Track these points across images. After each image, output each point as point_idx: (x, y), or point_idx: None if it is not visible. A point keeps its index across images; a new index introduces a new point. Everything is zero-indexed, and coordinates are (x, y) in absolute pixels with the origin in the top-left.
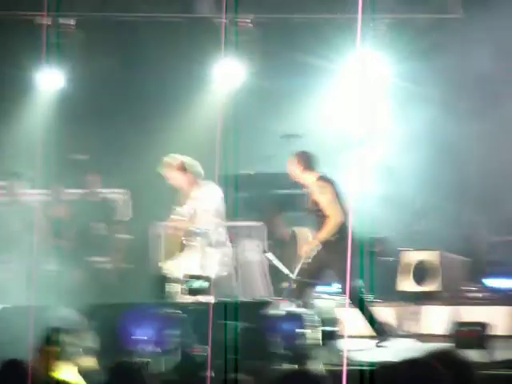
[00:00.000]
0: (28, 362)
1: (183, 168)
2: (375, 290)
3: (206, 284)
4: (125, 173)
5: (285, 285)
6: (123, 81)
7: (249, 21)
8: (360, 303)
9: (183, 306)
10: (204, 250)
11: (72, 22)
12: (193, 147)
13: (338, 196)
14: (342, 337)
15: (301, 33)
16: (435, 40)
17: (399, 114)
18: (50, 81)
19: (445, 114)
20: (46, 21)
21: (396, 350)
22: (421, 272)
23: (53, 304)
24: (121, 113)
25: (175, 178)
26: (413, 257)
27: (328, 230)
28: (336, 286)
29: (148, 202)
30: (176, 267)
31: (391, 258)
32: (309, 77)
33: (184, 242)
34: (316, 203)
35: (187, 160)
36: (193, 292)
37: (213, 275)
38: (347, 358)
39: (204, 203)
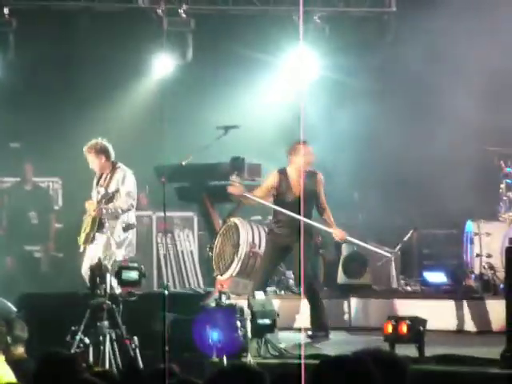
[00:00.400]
0: None
1: (96, 151)
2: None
3: (136, 275)
4: (58, 161)
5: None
6: (58, 69)
7: (182, 11)
8: (312, 295)
9: (114, 297)
10: (115, 232)
11: (6, 10)
12: (127, 136)
13: None
14: (275, 329)
15: (238, 25)
16: (370, 34)
17: (336, 109)
18: None
19: (380, 110)
20: None
21: (330, 344)
22: (351, 265)
23: None
24: (55, 101)
25: (90, 161)
26: (344, 250)
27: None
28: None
29: (81, 191)
30: (93, 251)
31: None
32: (246, 69)
33: (99, 222)
34: (317, 195)
35: (100, 143)
36: (124, 283)
37: (120, 257)
38: (286, 351)
39: (115, 186)
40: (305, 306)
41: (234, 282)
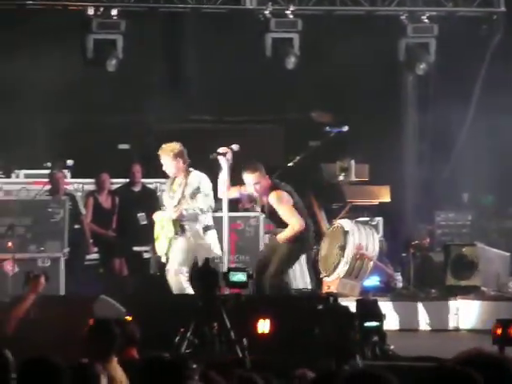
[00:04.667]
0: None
1: (174, 154)
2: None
3: (244, 276)
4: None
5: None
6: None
7: (289, 12)
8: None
9: (222, 298)
10: (195, 234)
11: (114, 12)
12: None
13: (295, 204)
14: (382, 331)
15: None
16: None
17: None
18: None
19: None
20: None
21: (438, 346)
22: (461, 266)
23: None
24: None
25: (166, 164)
26: (453, 251)
27: (287, 236)
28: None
29: None
30: (177, 255)
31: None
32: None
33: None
34: (273, 213)
35: (178, 146)
36: (231, 284)
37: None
38: (393, 353)
39: (192, 188)
40: (412, 307)
41: (341, 283)
